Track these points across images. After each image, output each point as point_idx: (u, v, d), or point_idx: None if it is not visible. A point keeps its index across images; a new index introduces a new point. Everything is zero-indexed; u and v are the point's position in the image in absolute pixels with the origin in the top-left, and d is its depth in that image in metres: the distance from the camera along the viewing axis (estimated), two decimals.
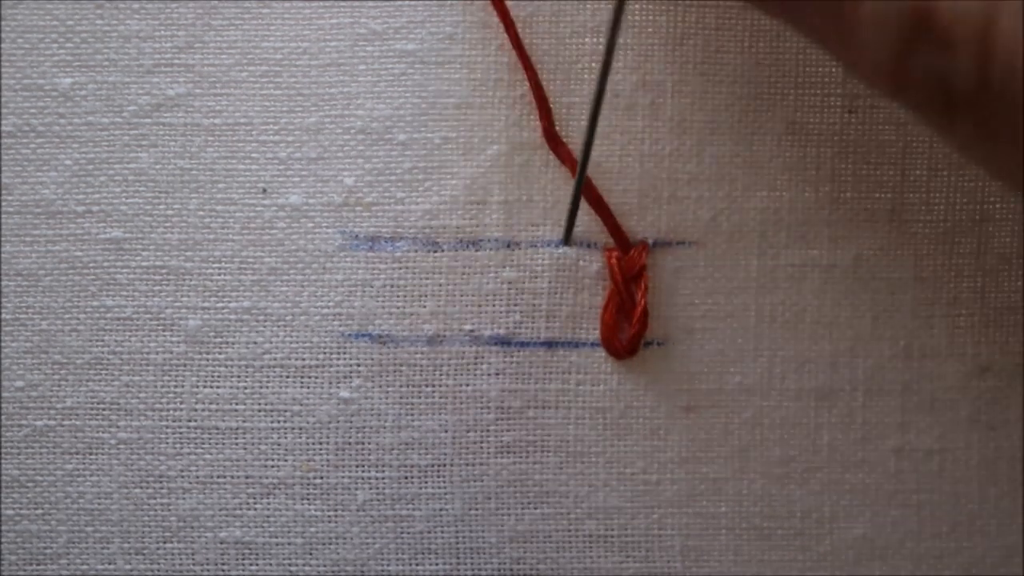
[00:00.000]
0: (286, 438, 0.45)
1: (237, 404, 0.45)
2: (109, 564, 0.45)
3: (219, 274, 0.45)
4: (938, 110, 0.34)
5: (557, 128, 0.44)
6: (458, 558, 0.45)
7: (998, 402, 0.46)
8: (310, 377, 0.45)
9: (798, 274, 0.45)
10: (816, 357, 0.45)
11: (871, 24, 0.34)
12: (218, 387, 0.45)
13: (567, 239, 0.44)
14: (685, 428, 0.45)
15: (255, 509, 0.45)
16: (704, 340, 0.45)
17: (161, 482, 0.45)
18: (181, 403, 0.45)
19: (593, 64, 0.44)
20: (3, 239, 0.45)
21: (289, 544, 0.45)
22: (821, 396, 0.45)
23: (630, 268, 0.44)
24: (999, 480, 0.46)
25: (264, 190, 0.44)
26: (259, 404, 0.45)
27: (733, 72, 0.44)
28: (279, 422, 0.45)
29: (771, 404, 0.45)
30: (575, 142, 0.44)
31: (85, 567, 0.45)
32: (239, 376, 0.45)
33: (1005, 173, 0.35)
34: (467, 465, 0.45)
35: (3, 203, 0.45)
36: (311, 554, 0.45)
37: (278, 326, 0.45)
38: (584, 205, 0.44)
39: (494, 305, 0.44)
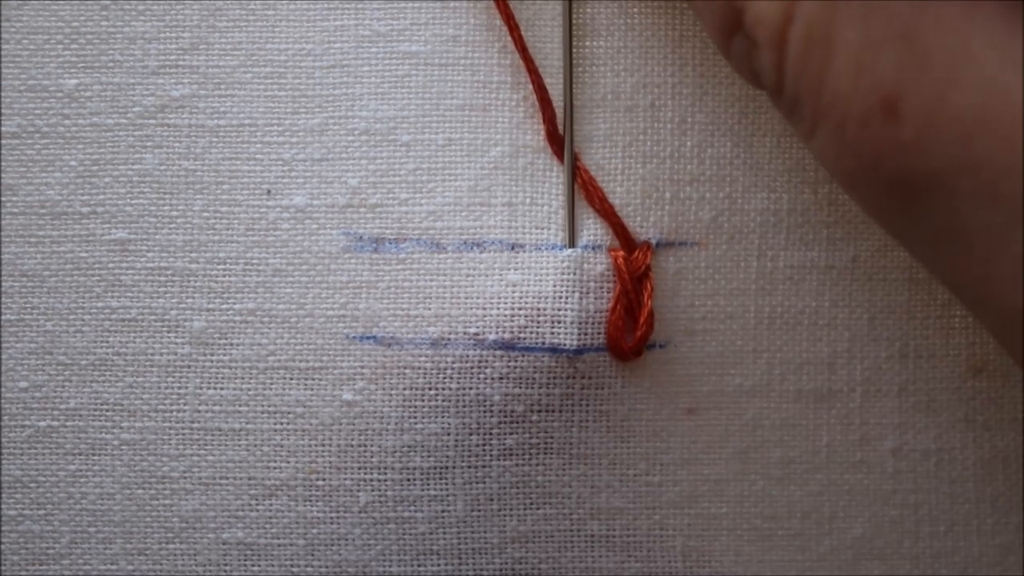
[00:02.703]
0: (289, 440, 0.43)
1: (241, 406, 0.43)
2: (111, 565, 0.44)
3: (224, 275, 0.43)
4: (758, 88, 0.37)
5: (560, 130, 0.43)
6: (460, 559, 0.43)
7: (993, 402, 0.45)
8: (314, 379, 0.43)
9: (797, 275, 0.44)
10: (814, 358, 0.44)
11: (701, 5, 0.37)
12: (222, 388, 0.43)
13: (571, 241, 0.43)
14: (686, 430, 0.44)
15: (257, 510, 0.43)
16: (704, 342, 0.44)
17: (164, 483, 0.44)
18: (185, 404, 0.43)
19: (593, 67, 0.43)
20: (8, 240, 0.43)
21: (291, 545, 0.43)
22: (819, 397, 0.44)
23: (635, 268, 0.42)
24: (995, 480, 0.45)
25: (268, 191, 0.43)
26: (262, 406, 0.43)
27: (731, 74, 0.43)
28: (282, 424, 0.43)
29: (770, 406, 0.44)
30: (578, 144, 0.43)
31: (87, 567, 0.44)
32: (243, 378, 0.43)
33: (819, 159, 0.37)
34: (470, 468, 0.43)
35: (8, 204, 0.43)
36: (313, 555, 0.43)
37: (283, 328, 0.43)
38: (588, 207, 0.43)
39: (498, 308, 0.43)
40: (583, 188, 0.43)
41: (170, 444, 0.43)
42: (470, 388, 0.43)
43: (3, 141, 0.43)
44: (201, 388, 0.43)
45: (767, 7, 0.34)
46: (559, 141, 0.43)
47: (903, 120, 0.32)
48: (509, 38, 0.42)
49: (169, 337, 0.43)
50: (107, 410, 0.43)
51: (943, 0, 0.32)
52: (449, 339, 0.43)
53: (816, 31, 0.33)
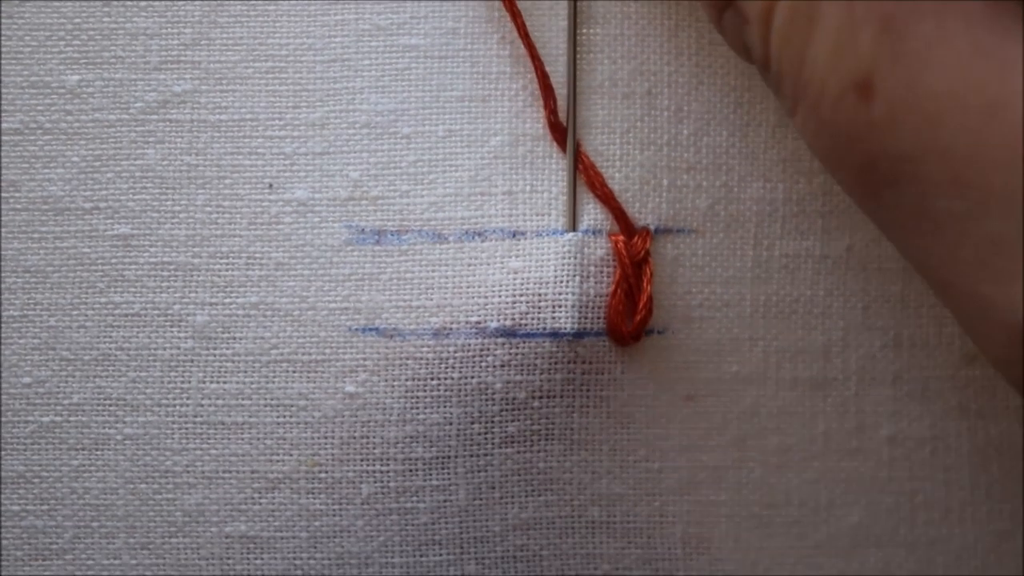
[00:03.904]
0: (291, 433, 0.43)
1: (243, 399, 0.43)
2: (114, 559, 0.43)
3: (226, 269, 0.43)
4: (749, 62, 0.38)
5: (560, 118, 0.43)
6: (462, 548, 0.43)
7: (987, 390, 0.44)
8: (316, 372, 0.43)
9: (792, 264, 0.44)
10: (809, 347, 0.44)
11: None
12: (225, 382, 0.43)
13: (572, 225, 0.43)
14: (686, 417, 0.44)
15: (260, 504, 0.43)
16: (702, 329, 0.44)
17: (167, 477, 0.43)
18: (188, 398, 0.43)
19: (590, 54, 0.43)
20: (10, 235, 0.43)
21: (294, 538, 0.43)
22: (815, 385, 0.44)
23: (635, 253, 0.42)
24: (990, 467, 0.45)
25: (270, 185, 0.43)
26: (265, 399, 0.43)
27: (727, 63, 0.43)
28: (285, 417, 0.43)
29: (767, 393, 0.44)
30: (576, 131, 0.43)
31: (91, 562, 0.43)
32: (246, 371, 0.43)
33: (800, 134, 0.37)
34: (472, 456, 0.43)
35: (11, 200, 0.43)
36: (316, 548, 0.43)
37: (285, 321, 0.43)
38: (587, 192, 0.43)
39: (500, 296, 0.43)
40: (584, 173, 0.43)
41: (173, 438, 0.43)
42: (472, 377, 0.43)
43: (5, 137, 0.43)
44: (204, 382, 0.43)
45: None
46: (559, 128, 0.43)
47: (876, 102, 0.33)
48: (507, 29, 0.43)
49: (172, 332, 0.43)
50: (110, 405, 0.43)
51: None
52: (451, 329, 0.43)
53: (800, 9, 0.34)
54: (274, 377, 0.43)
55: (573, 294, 0.42)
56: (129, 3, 0.43)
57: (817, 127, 0.35)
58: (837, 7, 0.33)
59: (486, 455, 0.43)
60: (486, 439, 0.43)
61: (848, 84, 0.33)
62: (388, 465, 0.43)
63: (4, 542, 0.43)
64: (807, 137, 0.36)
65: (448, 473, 0.43)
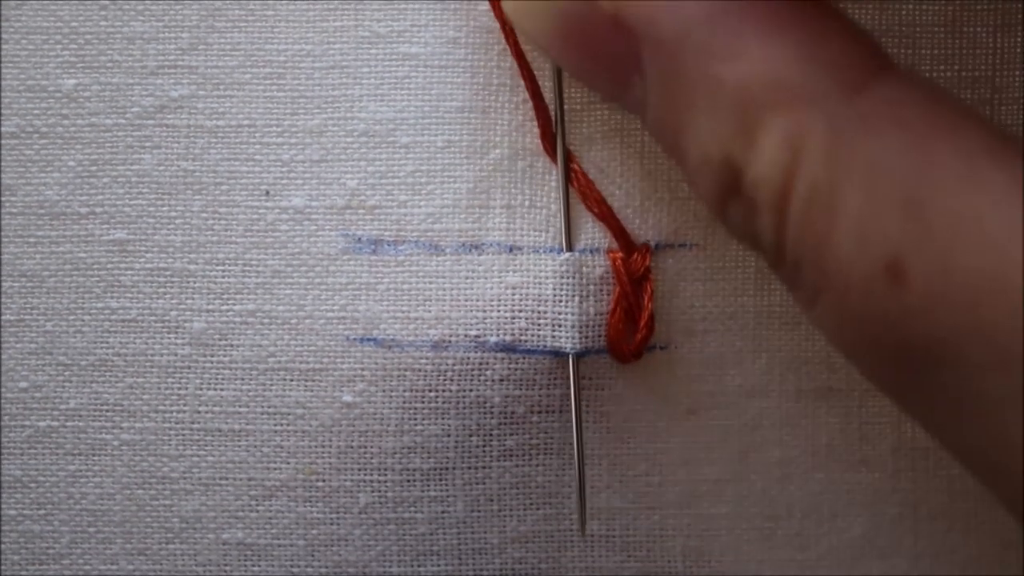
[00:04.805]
0: (289, 441, 0.43)
1: (240, 407, 0.43)
2: (111, 565, 0.43)
3: (223, 276, 0.43)
4: (756, 251, 0.35)
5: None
6: (460, 559, 0.43)
7: None
8: (314, 381, 0.43)
9: None
10: (813, 358, 0.43)
11: (695, 167, 0.34)
12: (222, 389, 0.43)
13: (568, 244, 0.42)
14: (687, 431, 0.43)
15: (257, 511, 0.43)
16: (704, 343, 0.43)
17: (164, 484, 0.43)
18: (184, 405, 0.43)
19: None
20: (7, 240, 0.43)
21: (291, 546, 0.43)
22: (819, 396, 0.44)
23: (634, 270, 0.42)
24: None
25: (267, 192, 0.43)
26: (262, 407, 0.43)
27: None
28: (282, 425, 0.43)
29: (770, 405, 0.44)
30: (576, 146, 0.42)
31: (87, 568, 0.43)
32: (243, 379, 0.43)
33: (820, 328, 0.35)
34: (470, 469, 0.43)
35: (6, 204, 0.43)
36: (313, 556, 0.43)
37: (283, 329, 0.43)
38: (586, 209, 0.42)
39: (498, 311, 0.42)
40: (580, 191, 0.42)
41: (170, 445, 0.43)
42: (470, 390, 0.42)
43: (2, 141, 0.43)
44: (201, 389, 0.43)
45: (768, 168, 0.33)
46: (554, 144, 0.42)
47: (908, 286, 0.31)
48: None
49: (169, 338, 0.43)
50: (107, 410, 0.43)
51: (946, 163, 0.31)
52: (450, 341, 0.42)
53: (819, 194, 0.32)
54: (271, 385, 0.43)
55: (573, 314, 0.42)
56: (126, 7, 0.42)
57: (843, 318, 0.33)
58: (858, 190, 0.31)
59: (484, 468, 0.43)
60: (484, 452, 0.43)
61: (878, 268, 0.31)
62: (386, 475, 0.43)
63: (2, 546, 0.43)
64: (829, 328, 0.34)
65: (446, 485, 0.43)
